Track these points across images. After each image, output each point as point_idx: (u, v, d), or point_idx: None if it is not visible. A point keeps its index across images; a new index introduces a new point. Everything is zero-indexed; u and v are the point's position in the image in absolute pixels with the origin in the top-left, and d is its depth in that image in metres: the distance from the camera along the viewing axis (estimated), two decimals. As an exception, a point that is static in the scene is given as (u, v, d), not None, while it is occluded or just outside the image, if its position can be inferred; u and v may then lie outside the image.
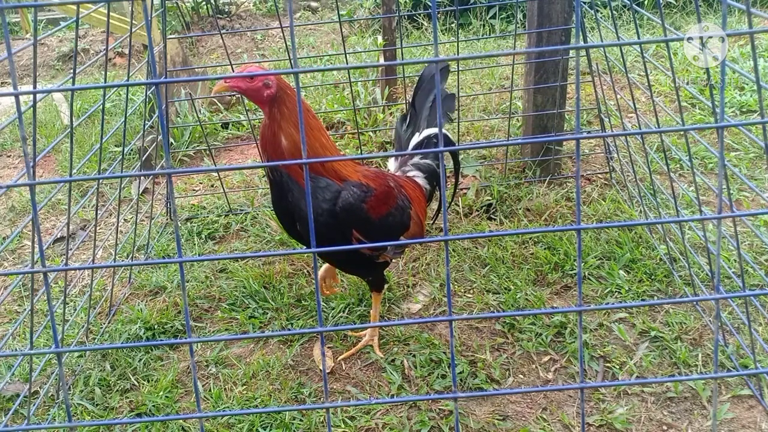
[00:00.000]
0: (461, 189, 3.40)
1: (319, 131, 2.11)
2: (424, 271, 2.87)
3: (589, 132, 3.85)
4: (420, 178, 2.56)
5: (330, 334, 2.58)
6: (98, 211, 2.71)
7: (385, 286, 2.51)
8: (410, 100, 2.63)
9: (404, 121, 2.65)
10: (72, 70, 2.05)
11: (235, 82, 1.98)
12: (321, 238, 2.10)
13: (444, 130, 2.65)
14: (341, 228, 2.13)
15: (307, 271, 2.90)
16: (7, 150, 4.43)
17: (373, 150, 3.81)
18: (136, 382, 2.40)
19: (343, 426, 2.15)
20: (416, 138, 2.59)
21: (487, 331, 2.52)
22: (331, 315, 2.65)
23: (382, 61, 4.40)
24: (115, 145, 4.09)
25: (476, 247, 2.97)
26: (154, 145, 3.78)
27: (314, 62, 5.41)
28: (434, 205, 2.83)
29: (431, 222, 2.91)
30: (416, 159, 2.61)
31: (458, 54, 4.10)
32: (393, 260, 2.46)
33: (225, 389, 2.34)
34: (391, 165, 2.65)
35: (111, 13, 3.08)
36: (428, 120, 2.60)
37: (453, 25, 5.90)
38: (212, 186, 3.76)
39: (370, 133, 3.92)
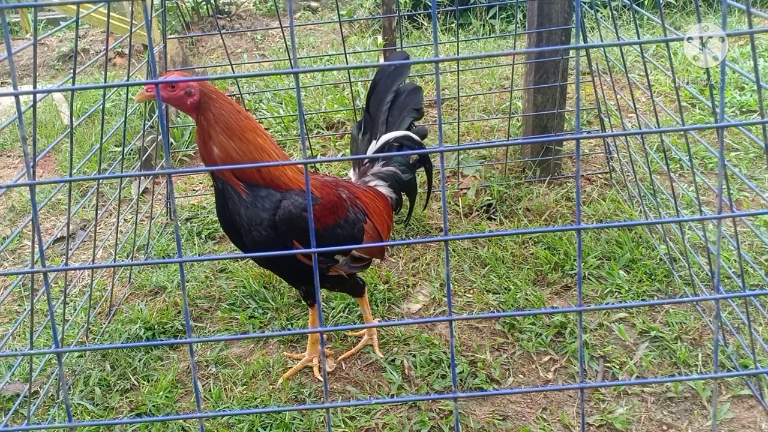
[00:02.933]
0: (461, 189, 3.40)
1: (253, 132, 1.96)
2: (424, 271, 2.87)
3: (589, 132, 3.85)
4: (383, 188, 2.42)
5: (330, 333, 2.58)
6: (98, 211, 2.71)
7: (365, 289, 2.41)
8: (364, 106, 2.50)
9: (360, 129, 2.51)
10: (72, 70, 2.05)
11: (154, 90, 1.79)
12: (263, 251, 1.94)
13: (410, 132, 2.49)
14: (283, 239, 1.98)
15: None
16: (7, 150, 4.43)
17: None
18: (136, 382, 2.40)
19: (343, 426, 2.15)
20: (374, 145, 2.45)
21: (487, 331, 2.52)
22: (331, 315, 2.65)
23: (382, 61, 4.39)
24: (115, 145, 4.09)
25: (476, 247, 2.97)
26: (154, 145, 3.78)
27: (314, 62, 5.41)
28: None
29: (404, 224, 2.84)
30: (377, 168, 2.46)
31: (458, 54, 4.10)
32: (350, 274, 2.29)
33: (225, 389, 2.34)
34: (351, 176, 2.51)
35: (111, 13, 3.08)
36: (386, 124, 2.45)
37: (453, 25, 5.90)
38: (212, 186, 3.76)
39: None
